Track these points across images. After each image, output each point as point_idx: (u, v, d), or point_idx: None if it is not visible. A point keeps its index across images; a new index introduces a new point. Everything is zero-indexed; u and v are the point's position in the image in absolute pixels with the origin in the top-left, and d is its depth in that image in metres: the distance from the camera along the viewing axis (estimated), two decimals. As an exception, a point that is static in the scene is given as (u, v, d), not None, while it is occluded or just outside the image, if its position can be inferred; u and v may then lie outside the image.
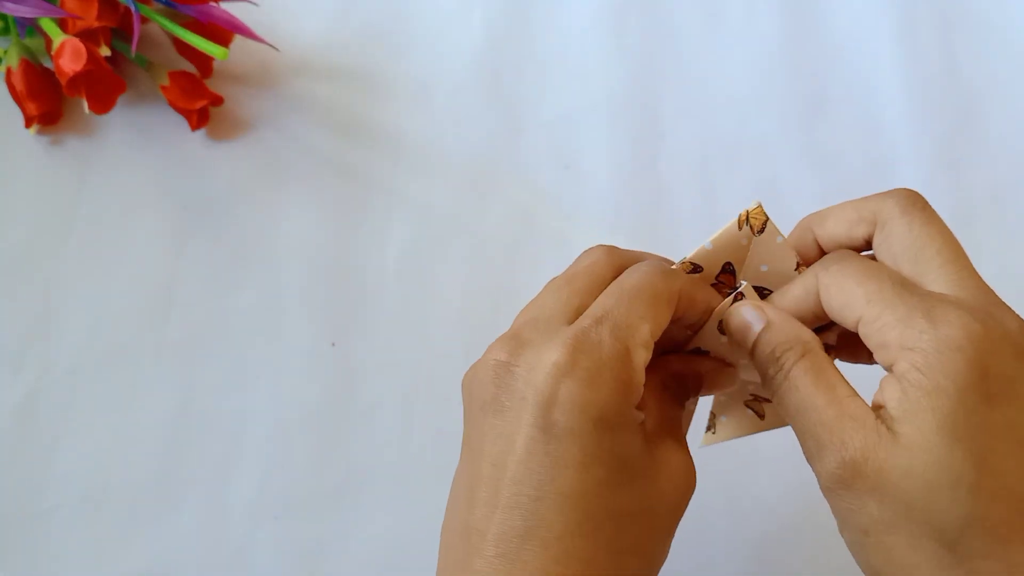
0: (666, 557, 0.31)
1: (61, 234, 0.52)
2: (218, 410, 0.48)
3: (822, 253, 0.34)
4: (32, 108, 0.53)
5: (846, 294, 0.30)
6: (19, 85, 0.53)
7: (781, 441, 0.48)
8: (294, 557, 0.45)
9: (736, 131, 0.56)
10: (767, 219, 0.33)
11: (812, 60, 0.59)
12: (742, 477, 0.47)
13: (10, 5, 0.49)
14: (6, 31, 0.54)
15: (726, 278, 0.34)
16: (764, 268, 0.34)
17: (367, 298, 0.51)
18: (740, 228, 0.33)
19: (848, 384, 0.30)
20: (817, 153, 0.56)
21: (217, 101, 0.54)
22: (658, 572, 0.31)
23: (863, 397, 0.30)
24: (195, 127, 0.54)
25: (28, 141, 0.54)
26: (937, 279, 0.30)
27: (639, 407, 0.30)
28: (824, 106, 0.57)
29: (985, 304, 0.29)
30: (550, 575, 0.27)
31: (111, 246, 0.52)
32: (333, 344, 0.50)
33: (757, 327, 0.32)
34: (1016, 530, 0.27)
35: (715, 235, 0.33)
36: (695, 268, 0.34)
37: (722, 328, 0.34)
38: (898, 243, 0.31)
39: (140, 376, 0.49)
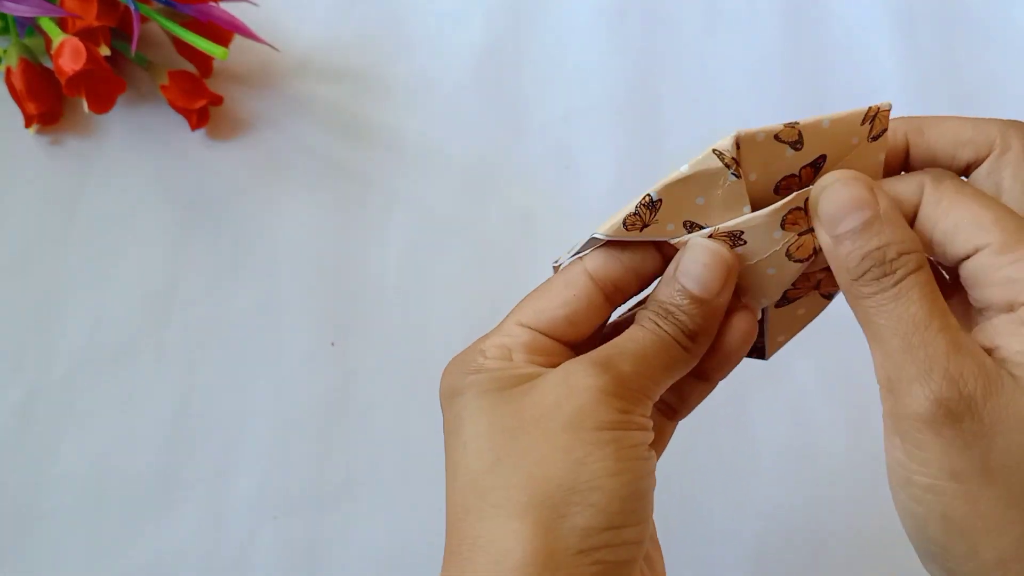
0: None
1: (61, 234, 0.52)
2: (218, 410, 0.48)
3: (902, 166, 0.29)
4: (32, 108, 0.53)
5: (967, 214, 0.26)
6: (19, 85, 0.53)
7: (781, 442, 0.48)
8: (294, 557, 0.45)
9: (736, 131, 0.56)
10: (887, 128, 0.28)
11: (812, 60, 0.59)
12: (742, 478, 0.47)
13: (10, 4, 0.49)
14: (6, 30, 0.54)
15: (806, 173, 0.29)
16: None
17: (367, 298, 0.51)
18: (862, 123, 0.28)
19: (953, 316, 0.26)
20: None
21: (217, 101, 0.54)
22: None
23: None
24: (195, 127, 0.54)
25: (28, 141, 0.54)
26: None
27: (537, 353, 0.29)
28: (824, 106, 0.57)
29: None
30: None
31: (111, 246, 0.52)
32: (333, 344, 0.50)
33: (862, 215, 0.26)
34: None
35: (833, 115, 0.28)
36: (794, 143, 0.28)
37: (793, 294, 0.30)
38: (1016, 176, 0.27)
39: (140, 376, 0.49)
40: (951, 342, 0.25)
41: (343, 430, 0.48)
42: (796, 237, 0.29)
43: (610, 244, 0.30)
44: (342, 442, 0.48)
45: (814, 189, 0.28)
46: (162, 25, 0.53)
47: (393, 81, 0.58)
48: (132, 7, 0.51)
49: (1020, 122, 0.28)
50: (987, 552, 0.25)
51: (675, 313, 0.28)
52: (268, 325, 0.50)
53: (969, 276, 0.26)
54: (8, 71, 0.53)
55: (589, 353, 0.28)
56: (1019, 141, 0.28)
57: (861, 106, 0.28)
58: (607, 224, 0.29)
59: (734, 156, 0.28)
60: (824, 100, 0.57)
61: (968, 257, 0.26)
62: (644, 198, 0.29)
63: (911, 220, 0.28)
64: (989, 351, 0.25)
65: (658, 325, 0.28)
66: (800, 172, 0.29)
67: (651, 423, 0.28)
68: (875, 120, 0.28)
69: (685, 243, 0.29)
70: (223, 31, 0.54)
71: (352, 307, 0.51)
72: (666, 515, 0.46)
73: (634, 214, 0.29)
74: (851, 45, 0.59)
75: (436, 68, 0.58)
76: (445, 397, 0.29)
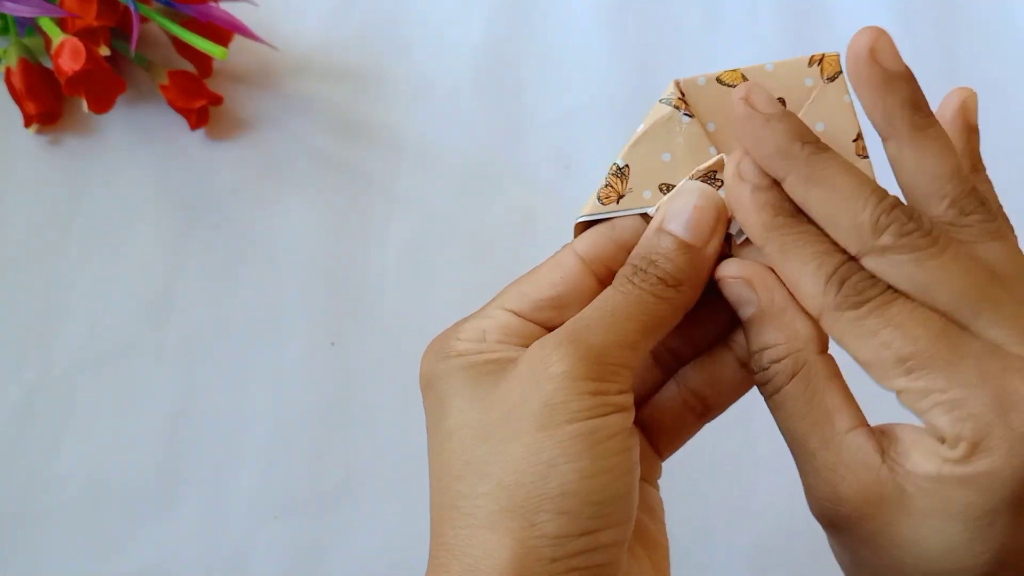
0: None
1: (60, 234, 0.52)
2: (218, 410, 0.48)
3: None
4: (31, 107, 0.53)
5: (872, 352, 0.25)
6: (18, 84, 0.53)
7: (781, 443, 0.48)
8: (294, 557, 0.45)
9: (736, 131, 0.56)
10: (841, 71, 0.28)
11: (812, 60, 0.59)
12: (742, 481, 0.47)
13: (9, 4, 0.49)
14: (5, 30, 0.54)
15: None
16: (820, 127, 0.28)
17: (367, 298, 0.51)
18: (809, 66, 0.28)
19: (852, 408, 0.26)
20: (817, 153, 0.56)
21: (216, 101, 0.54)
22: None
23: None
24: (194, 127, 0.54)
25: (27, 141, 0.54)
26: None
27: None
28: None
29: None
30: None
31: (111, 245, 0.52)
32: (333, 344, 0.50)
33: (747, 311, 0.27)
34: None
35: (778, 60, 0.28)
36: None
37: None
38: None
39: (140, 376, 0.48)
40: (832, 458, 0.25)
41: (343, 430, 0.48)
42: None
43: (599, 223, 0.28)
44: (342, 442, 0.48)
45: (717, 273, 0.28)
46: (162, 25, 0.53)
47: (393, 81, 0.58)
48: (132, 7, 0.51)
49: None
50: None
51: (656, 261, 0.27)
52: (268, 325, 0.50)
53: (898, 394, 0.25)
54: (8, 71, 0.53)
55: (557, 330, 0.26)
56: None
57: (804, 55, 0.28)
58: (585, 205, 0.29)
59: (680, 97, 0.28)
60: (824, 100, 0.58)
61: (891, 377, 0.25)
62: (612, 167, 0.28)
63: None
64: (888, 449, 0.25)
65: (631, 282, 0.26)
66: None
67: (631, 399, 0.26)
68: (822, 63, 0.28)
69: (674, 190, 0.28)
70: (223, 31, 0.54)
71: (352, 307, 0.51)
72: (666, 515, 0.46)
73: (606, 186, 0.28)
74: (851, 45, 0.59)
75: (436, 67, 0.58)
76: (423, 385, 0.28)
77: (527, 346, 0.27)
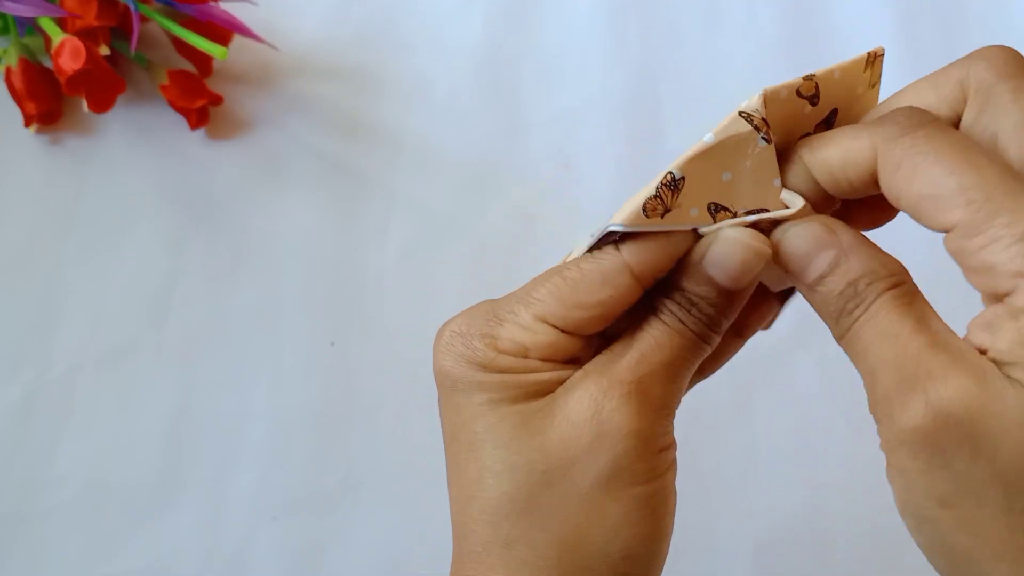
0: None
1: (60, 233, 0.52)
2: (217, 410, 0.48)
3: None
4: (31, 107, 0.53)
5: (928, 185, 0.22)
6: (18, 84, 0.53)
7: (781, 443, 0.48)
8: (293, 557, 0.45)
9: (736, 131, 0.56)
10: (881, 75, 0.27)
11: (812, 60, 0.59)
12: (742, 480, 0.47)
13: (10, 4, 0.48)
14: (5, 30, 0.54)
15: (820, 131, 0.27)
16: None
17: (367, 298, 0.51)
18: (864, 70, 0.26)
19: (945, 324, 0.23)
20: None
21: (216, 100, 0.54)
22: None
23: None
24: (194, 126, 0.54)
25: (27, 140, 0.54)
26: None
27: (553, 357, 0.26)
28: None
29: None
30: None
31: (110, 245, 0.52)
32: (332, 344, 0.50)
33: (826, 257, 0.24)
34: None
35: (841, 65, 0.26)
36: (812, 98, 0.26)
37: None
38: (1003, 119, 0.23)
39: (140, 376, 0.48)
40: (927, 345, 0.22)
41: (343, 430, 0.48)
42: None
43: (654, 240, 0.26)
44: (342, 442, 0.48)
45: (776, 236, 0.26)
46: (162, 25, 0.53)
47: (393, 80, 0.58)
48: (132, 7, 0.51)
49: (988, 49, 0.24)
50: (984, 564, 0.22)
51: (699, 305, 0.26)
52: (267, 325, 0.50)
53: (952, 255, 0.23)
54: (8, 71, 0.53)
55: (614, 367, 0.25)
56: (991, 74, 0.23)
57: (860, 53, 0.26)
58: (624, 212, 0.25)
59: (763, 116, 0.25)
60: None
61: (944, 229, 0.23)
62: (666, 176, 0.25)
63: (860, 175, 0.25)
64: (983, 350, 0.22)
65: (682, 322, 0.26)
66: (815, 131, 0.27)
67: (675, 444, 0.26)
68: (873, 65, 0.27)
69: (717, 231, 0.26)
70: (223, 31, 0.54)
71: (352, 307, 0.51)
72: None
73: (655, 196, 0.25)
74: (851, 46, 0.59)
75: (435, 67, 0.58)
76: (446, 387, 0.27)
77: (568, 360, 0.26)
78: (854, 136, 0.24)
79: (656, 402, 0.25)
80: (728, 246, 0.25)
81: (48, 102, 0.53)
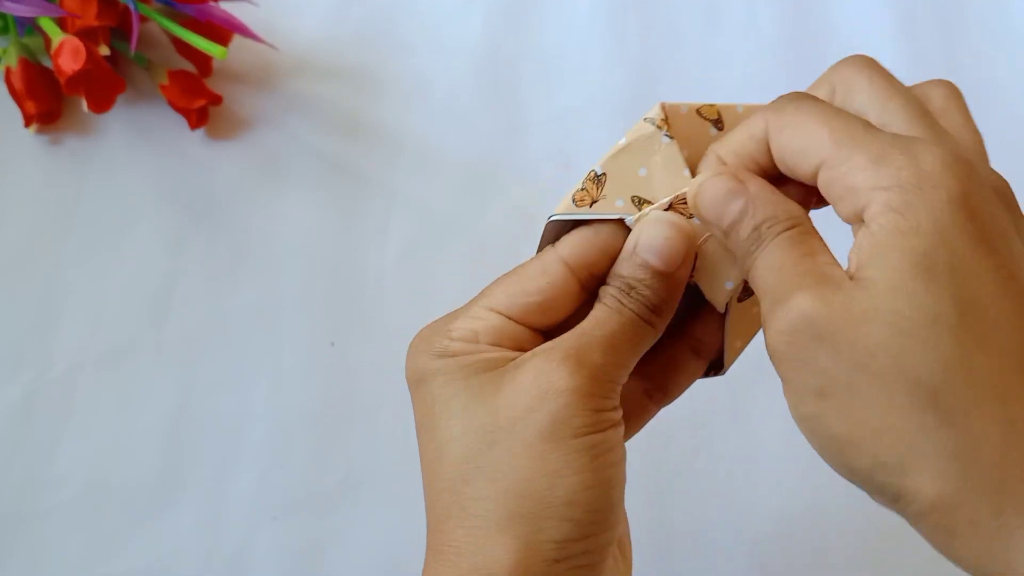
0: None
1: (60, 233, 0.52)
2: (217, 410, 0.48)
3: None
4: (31, 107, 0.53)
5: (806, 136, 0.26)
6: (18, 84, 0.53)
7: (781, 442, 0.48)
8: (293, 558, 0.45)
9: (736, 131, 0.56)
10: None
11: (812, 60, 0.59)
12: (742, 478, 0.47)
13: (9, 4, 0.48)
14: (5, 30, 0.54)
15: None
16: None
17: (366, 298, 0.51)
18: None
19: (835, 259, 0.26)
20: (817, 153, 0.56)
21: (216, 100, 0.54)
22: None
23: None
24: (194, 126, 0.54)
25: (27, 140, 0.54)
26: (907, 131, 0.26)
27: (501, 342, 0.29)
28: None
29: (963, 152, 0.26)
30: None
31: (110, 245, 0.52)
32: (332, 344, 0.50)
33: (736, 204, 0.27)
34: (1011, 386, 0.23)
35: (745, 104, 0.31)
36: (716, 122, 0.31)
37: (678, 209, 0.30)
38: (860, 96, 0.28)
39: (140, 376, 0.48)
40: (802, 271, 0.25)
41: (343, 430, 0.48)
42: None
43: (582, 228, 0.30)
44: (342, 442, 0.48)
45: (690, 188, 0.29)
46: (161, 25, 0.53)
47: (392, 80, 0.58)
48: (131, 7, 0.51)
49: (851, 57, 0.29)
50: (888, 456, 0.24)
51: (637, 288, 0.28)
52: (267, 325, 0.50)
53: (825, 195, 0.26)
54: (8, 70, 0.53)
55: (558, 343, 0.28)
56: (852, 69, 0.28)
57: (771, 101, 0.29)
58: (560, 204, 0.30)
59: (663, 119, 0.30)
60: (824, 100, 0.58)
61: (816, 177, 0.26)
62: (590, 173, 0.30)
63: (763, 154, 0.28)
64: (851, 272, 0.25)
65: (622, 303, 0.28)
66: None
67: (620, 411, 0.28)
68: None
69: (643, 218, 0.29)
70: (222, 30, 0.54)
71: (352, 307, 0.51)
72: (667, 515, 0.46)
73: (582, 189, 0.30)
74: (851, 46, 0.59)
75: (435, 67, 0.58)
76: (412, 382, 0.29)
77: (517, 349, 0.29)
78: (752, 120, 0.28)
79: (595, 368, 0.27)
80: (654, 228, 0.29)
81: (48, 102, 0.53)
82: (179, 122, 0.55)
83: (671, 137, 0.30)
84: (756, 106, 0.30)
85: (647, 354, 0.31)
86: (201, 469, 0.47)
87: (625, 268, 0.29)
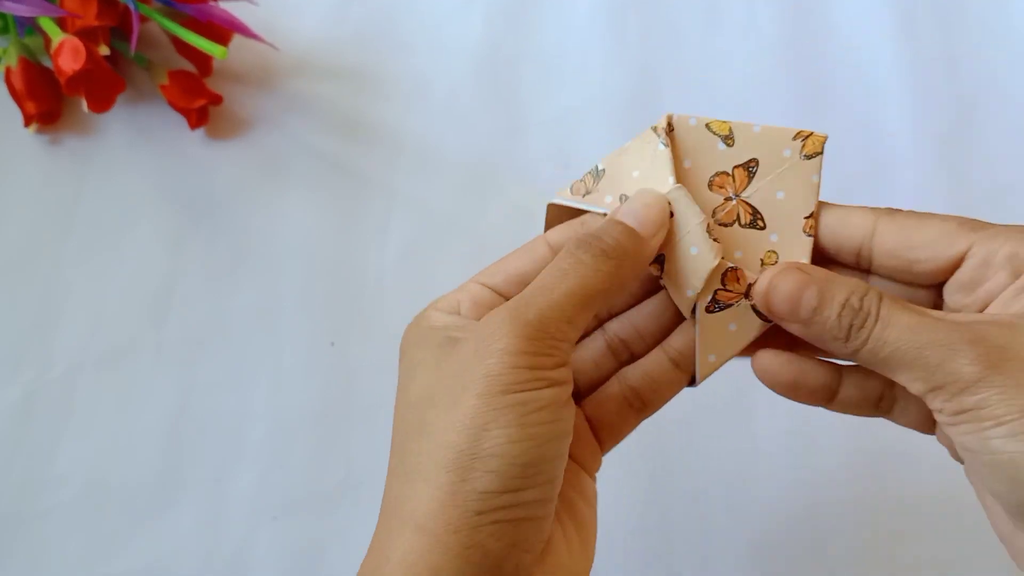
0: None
1: (60, 233, 0.52)
2: (217, 410, 0.48)
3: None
4: (31, 107, 0.53)
5: (935, 231, 0.29)
6: (18, 84, 0.53)
7: (781, 441, 0.48)
8: (293, 557, 0.45)
9: (736, 131, 0.56)
10: (822, 152, 0.31)
11: (812, 60, 0.59)
12: (742, 477, 0.47)
13: (9, 4, 0.48)
14: (5, 30, 0.54)
15: (739, 174, 0.31)
16: (780, 195, 0.31)
17: (366, 298, 0.51)
18: (794, 139, 0.31)
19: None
20: (817, 153, 0.56)
21: (216, 100, 0.54)
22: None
23: None
24: (194, 126, 0.54)
25: (27, 140, 0.54)
26: None
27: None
28: (824, 106, 0.57)
29: None
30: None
31: (110, 245, 0.52)
32: (332, 344, 0.50)
33: (811, 292, 0.29)
34: None
35: (766, 125, 0.31)
36: (726, 138, 0.31)
37: (726, 299, 0.31)
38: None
39: (140, 376, 0.48)
40: (952, 325, 0.27)
41: (343, 430, 0.48)
42: (722, 201, 0.31)
43: (570, 220, 0.32)
44: (342, 442, 0.48)
45: (756, 294, 0.30)
46: (161, 24, 0.53)
47: (392, 80, 0.58)
48: (131, 7, 0.51)
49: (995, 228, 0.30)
50: None
51: (601, 237, 0.29)
52: (267, 325, 0.50)
53: (966, 275, 0.29)
54: (8, 70, 0.53)
55: (506, 304, 0.28)
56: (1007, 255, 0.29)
57: (794, 127, 0.31)
58: (563, 189, 0.32)
59: (664, 128, 0.31)
60: (824, 101, 0.57)
61: (953, 262, 0.29)
62: (593, 167, 0.32)
63: (858, 255, 0.30)
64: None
65: (572, 254, 0.29)
66: (733, 171, 0.31)
67: (567, 373, 0.28)
68: (807, 140, 0.31)
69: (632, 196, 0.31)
70: (222, 30, 0.54)
71: (352, 307, 0.51)
72: (667, 514, 0.46)
73: (581, 180, 0.32)
74: (851, 45, 0.59)
75: (435, 67, 0.58)
76: (400, 353, 0.31)
77: None
78: (851, 211, 0.31)
79: (532, 327, 0.27)
80: (637, 195, 0.30)
81: (48, 102, 0.53)
82: (179, 122, 0.55)
83: (667, 145, 0.31)
84: (776, 129, 0.31)
85: (630, 367, 0.33)
86: (201, 469, 0.47)
87: (600, 230, 0.30)
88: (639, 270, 0.30)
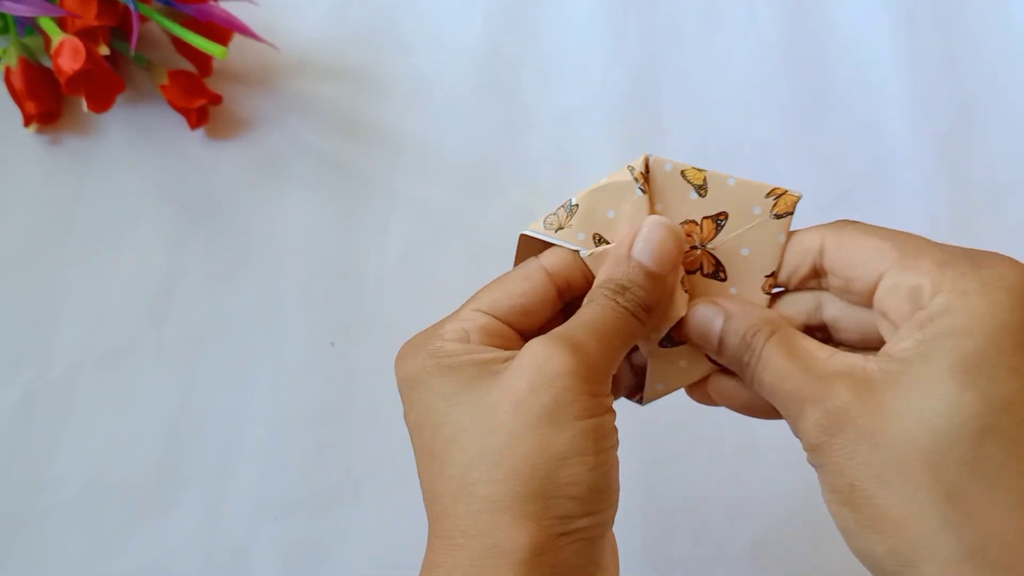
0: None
1: (60, 233, 0.52)
2: (217, 410, 0.48)
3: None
4: (31, 107, 0.53)
5: (870, 249, 0.28)
6: (18, 84, 0.53)
7: (781, 441, 0.48)
8: (293, 558, 0.45)
9: (736, 131, 0.56)
10: (792, 213, 0.31)
11: (812, 60, 0.59)
12: (742, 477, 0.47)
13: (9, 4, 0.48)
14: (5, 30, 0.54)
15: (707, 225, 0.32)
16: (745, 252, 0.32)
17: (366, 298, 0.51)
18: (767, 196, 0.31)
19: (830, 348, 0.28)
20: (817, 153, 0.56)
21: (216, 100, 0.54)
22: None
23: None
24: (194, 126, 0.54)
25: (27, 140, 0.54)
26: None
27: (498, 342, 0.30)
28: (824, 106, 0.57)
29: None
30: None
31: (110, 245, 0.52)
32: (332, 344, 0.50)
33: (718, 322, 0.30)
34: None
35: (740, 178, 0.31)
36: (699, 188, 0.32)
37: (678, 336, 0.32)
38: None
39: (139, 376, 0.48)
40: (817, 372, 0.27)
41: (343, 430, 0.48)
42: (688, 249, 0.32)
43: (556, 249, 0.32)
44: (342, 442, 0.48)
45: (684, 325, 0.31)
46: (161, 24, 0.53)
47: (393, 80, 0.58)
48: (131, 6, 0.51)
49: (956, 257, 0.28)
50: (903, 547, 0.25)
51: (632, 288, 0.30)
52: (268, 325, 0.50)
53: (879, 305, 0.28)
54: (8, 70, 0.53)
55: (552, 333, 0.29)
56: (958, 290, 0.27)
57: (769, 183, 0.31)
58: (536, 222, 0.32)
59: (642, 172, 0.31)
60: (824, 101, 0.57)
61: (876, 283, 0.28)
62: (566, 201, 0.32)
63: (818, 269, 0.30)
64: (884, 358, 0.27)
65: (616, 301, 0.30)
66: (701, 221, 0.32)
67: (612, 399, 0.29)
68: (780, 199, 0.31)
69: (607, 250, 0.31)
70: (222, 30, 0.54)
71: (352, 307, 0.51)
72: (667, 514, 0.46)
73: (554, 214, 0.32)
74: (851, 45, 0.59)
75: (435, 67, 0.58)
76: (405, 383, 0.30)
77: (507, 347, 0.30)
78: (805, 236, 0.31)
79: (591, 356, 0.28)
80: (651, 229, 0.30)
81: (48, 102, 0.53)
82: (179, 122, 0.55)
83: (644, 192, 0.31)
84: (751, 183, 0.31)
85: None
86: (201, 469, 0.47)
87: (618, 271, 0.30)
88: (664, 311, 0.31)
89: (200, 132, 0.55)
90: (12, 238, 0.52)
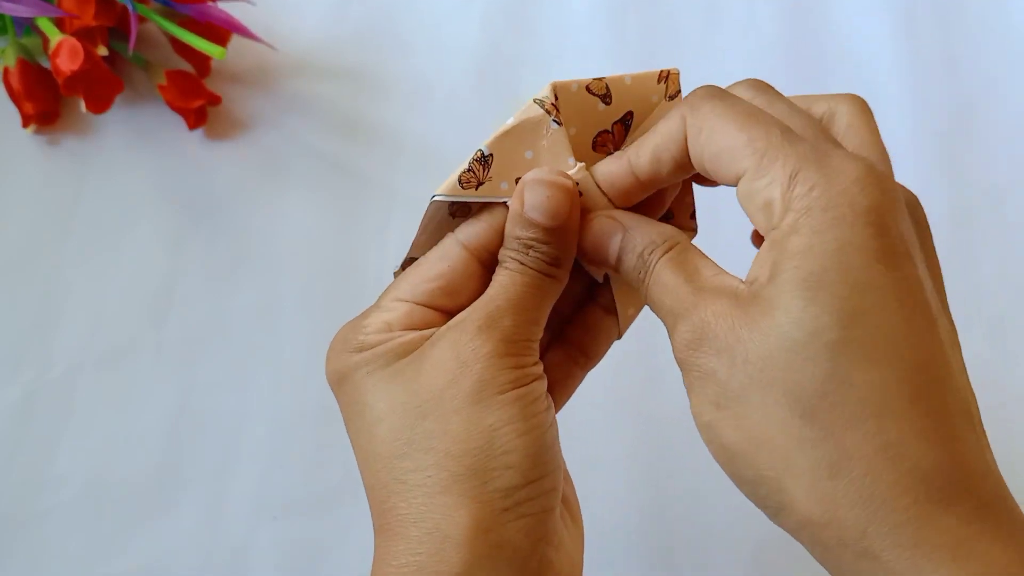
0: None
1: (59, 234, 0.52)
2: (217, 410, 0.48)
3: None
4: (29, 108, 0.53)
5: (724, 140, 0.26)
6: (16, 85, 0.53)
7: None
8: (293, 558, 0.45)
9: (735, 130, 0.56)
10: (680, 91, 0.30)
11: (812, 60, 0.59)
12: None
13: (7, 4, 0.48)
14: (3, 30, 0.54)
15: (618, 129, 0.31)
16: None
17: (366, 298, 0.51)
18: (658, 82, 0.30)
19: (719, 268, 0.28)
20: (816, 152, 0.56)
21: (215, 100, 0.54)
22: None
23: None
24: (193, 126, 0.54)
25: (25, 141, 0.54)
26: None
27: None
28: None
29: (878, 167, 0.26)
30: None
31: (109, 245, 0.52)
32: (332, 344, 0.50)
33: (617, 238, 0.29)
34: (890, 404, 0.23)
35: (633, 73, 0.31)
36: (604, 97, 0.31)
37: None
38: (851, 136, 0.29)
39: (139, 376, 0.48)
40: (696, 289, 0.26)
41: (342, 430, 0.48)
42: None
43: (480, 214, 0.30)
44: (341, 442, 0.47)
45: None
46: (160, 25, 0.53)
47: (392, 80, 0.58)
48: (130, 7, 0.51)
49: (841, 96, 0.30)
50: (768, 470, 0.25)
51: (535, 247, 0.29)
52: (267, 325, 0.50)
53: (742, 203, 0.26)
54: (6, 71, 0.53)
55: (468, 314, 0.29)
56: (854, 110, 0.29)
57: (656, 69, 0.31)
58: (444, 184, 0.30)
59: (553, 103, 0.30)
60: (823, 99, 0.58)
61: (736, 184, 0.26)
62: (476, 153, 0.30)
63: (682, 153, 0.28)
64: (752, 281, 0.26)
65: (522, 263, 0.29)
66: (612, 128, 0.31)
67: (542, 367, 0.29)
68: (668, 80, 0.31)
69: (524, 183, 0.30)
70: (221, 31, 0.54)
71: (352, 307, 0.51)
72: (668, 513, 0.46)
73: (468, 170, 0.30)
74: (851, 45, 0.59)
75: (435, 66, 0.58)
76: (334, 382, 0.31)
77: (431, 331, 0.30)
78: (668, 117, 0.29)
79: (507, 331, 0.28)
80: (535, 189, 0.29)
81: (46, 102, 0.53)
82: (177, 122, 0.55)
83: (560, 123, 0.30)
84: (644, 75, 0.31)
85: (567, 324, 0.33)
86: (201, 469, 0.47)
87: (517, 229, 0.29)
88: (574, 256, 0.30)
89: (199, 132, 0.55)
90: (12, 238, 0.52)
